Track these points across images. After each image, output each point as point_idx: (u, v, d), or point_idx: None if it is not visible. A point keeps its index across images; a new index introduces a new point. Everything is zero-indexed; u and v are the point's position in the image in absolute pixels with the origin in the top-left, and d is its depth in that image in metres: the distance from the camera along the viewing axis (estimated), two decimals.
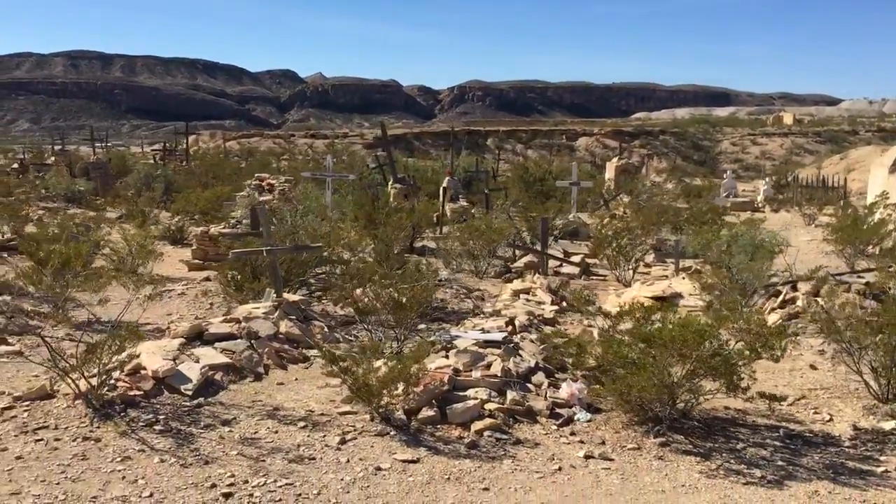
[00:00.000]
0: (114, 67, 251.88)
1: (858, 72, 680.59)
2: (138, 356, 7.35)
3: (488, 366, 7.11)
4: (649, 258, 15.02)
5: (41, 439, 6.19)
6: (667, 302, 11.39)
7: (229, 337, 8.24)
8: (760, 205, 28.98)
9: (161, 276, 12.88)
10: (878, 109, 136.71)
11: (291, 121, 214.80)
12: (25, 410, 6.84)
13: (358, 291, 9.60)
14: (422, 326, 9.38)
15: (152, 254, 13.87)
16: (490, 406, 6.64)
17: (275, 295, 9.54)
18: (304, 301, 9.77)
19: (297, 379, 7.86)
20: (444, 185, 27.68)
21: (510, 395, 6.79)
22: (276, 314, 8.98)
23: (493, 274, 14.50)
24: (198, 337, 8.21)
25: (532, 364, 7.37)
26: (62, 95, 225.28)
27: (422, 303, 8.72)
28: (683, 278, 12.71)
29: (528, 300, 11.17)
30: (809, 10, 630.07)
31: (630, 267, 14.21)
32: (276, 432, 6.42)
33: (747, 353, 6.55)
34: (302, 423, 6.58)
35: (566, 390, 6.92)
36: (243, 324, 8.55)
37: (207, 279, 13.32)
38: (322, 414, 6.85)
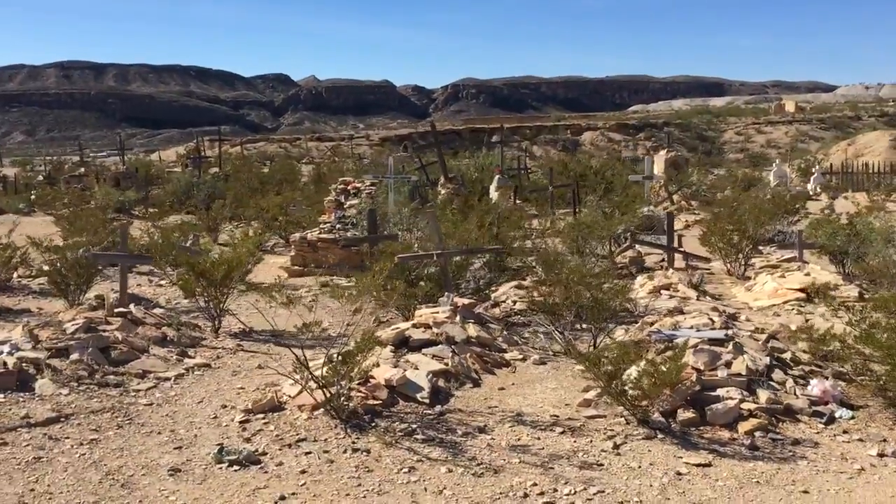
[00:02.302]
0: (106, 77, 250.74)
1: (850, 58, 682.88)
2: (378, 366, 7.21)
3: (728, 364, 6.99)
4: (766, 250, 14.92)
5: (309, 452, 6.07)
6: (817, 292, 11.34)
7: (430, 343, 8.12)
8: (813, 193, 28.92)
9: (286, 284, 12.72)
10: (874, 94, 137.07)
11: (286, 125, 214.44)
12: (265, 423, 6.73)
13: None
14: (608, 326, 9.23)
15: (261, 261, 13.74)
16: (747, 406, 6.52)
17: (444, 298, 9.41)
18: (472, 304, 9.63)
19: (513, 384, 7.73)
20: (496, 183, 27.64)
21: (762, 393, 6.68)
22: (457, 318, 8.85)
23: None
24: (403, 343, 8.08)
25: (767, 361, 7.26)
26: (56, 106, 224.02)
27: (618, 301, 8.60)
28: (806, 271, 12.58)
29: (671, 296, 11.05)
30: None
31: (743, 259, 14.10)
32: (539, 439, 6.30)
33: None
34: (559, 429, 6.46)
35: (818, 387, 6.80)
36: (435, 329, 8.41)
37: (326, 285, 13.17)
38: (569, 419, 6.73)
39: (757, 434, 6.22)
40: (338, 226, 15.98)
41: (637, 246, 15.99)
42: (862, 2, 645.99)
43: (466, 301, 9.49)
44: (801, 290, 11.34)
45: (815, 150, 68.11)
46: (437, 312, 8.98)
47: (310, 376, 6.71)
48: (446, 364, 7.69)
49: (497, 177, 27.59)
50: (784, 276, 12.42)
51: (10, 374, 7.33)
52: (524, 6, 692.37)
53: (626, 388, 6.33)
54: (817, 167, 34.80)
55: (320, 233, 15.72)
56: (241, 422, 6.79)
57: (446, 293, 9.53)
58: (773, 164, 34.21)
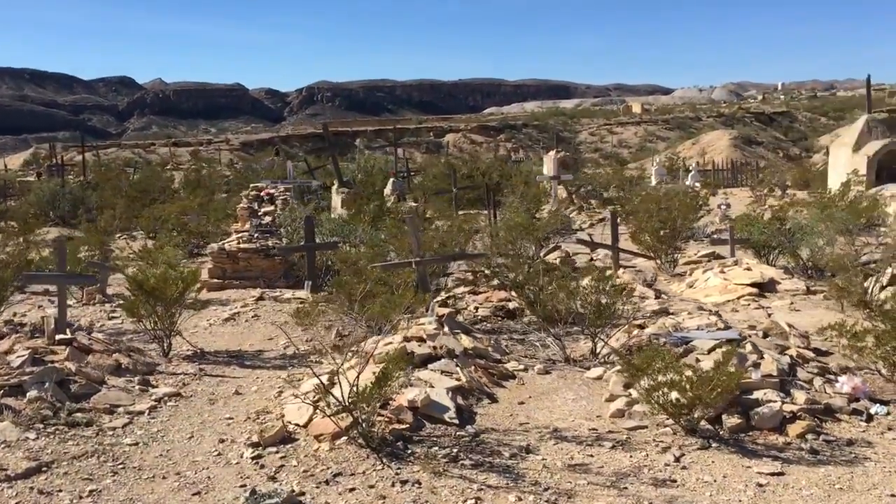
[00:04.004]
0: None
1: (684, 62, 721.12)
2: (411, 385, 6.62)
3: (756, 365, 6.84)
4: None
5: (353, 488, 5.46)
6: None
7: (432, 358, 7.59)
8: (692, 190, 29.93)
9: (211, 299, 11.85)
10: (707, 97, 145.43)
11: (132, 129, 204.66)
12: (282, 457, 6.04)
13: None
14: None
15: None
16: (788, 407, 6.37)
17: (425, 309, 8.88)
18: (453, 313, 9.14)
19: (529, 396, 7.31)
20: (390, 187, 27.11)
21: (798, 394, 6.56)
22: (444, 329, 8.36)
23: None
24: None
25: (788, 360, 7.16)
26: None
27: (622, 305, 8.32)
28: (747, 266, 12.77)
29: (641, 296, 10.92)
30: (637, 2, 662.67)
31: (673, 256, 14.24)
32: (592, 456, 5.92)
33: None
34: (607, 444, 6.10)
35: (848, 384, 6.75)
36: (430, 342, 7.89)
37: (261, 298, 12.35)
38: (610, 432, 6.40)
39: (808, 437, 6.07)
40: (255, 234, 15.07)
41: (563, 245, 15.94)
42: (691, 9, 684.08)
43: (446, 310, 9.00)
44: (752, 284, 11.49)
45: (662, 149, 71.33)
46: (424, 324, 8.44)
47: (335, 402, 6.06)
48: (458, 380, 7.18)
49: (392, 180, 27.09)
50: (723, 271, 12.57)
51: None
52: (377, 10, 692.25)
53: (674, 396, 6.04)
54: (694, 165, 36.20)
55: (238, 242, 14.75)
56: (253, 458, 6.06)
57: (433, 303, 9.01)
58: (653, 163, 35.34)
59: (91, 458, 6.06)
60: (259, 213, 15.93)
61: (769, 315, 10.06)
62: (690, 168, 34.35)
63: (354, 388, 6.05)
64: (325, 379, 7.45)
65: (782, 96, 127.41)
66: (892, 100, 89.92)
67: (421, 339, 7.98)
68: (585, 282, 10.28)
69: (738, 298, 11.15)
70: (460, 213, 22.82)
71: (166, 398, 7.56)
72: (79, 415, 6.84)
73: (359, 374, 6.22)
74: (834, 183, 20.10)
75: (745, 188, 31.13)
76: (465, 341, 8.21)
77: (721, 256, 15.80)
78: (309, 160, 31.75)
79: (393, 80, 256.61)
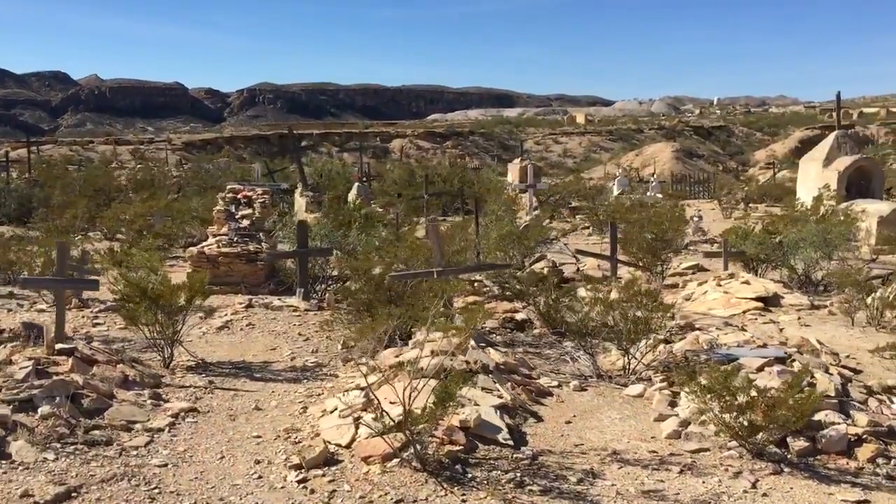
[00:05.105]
0: None
1: (624, 74, 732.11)
2: (478, 405, 6.25)
3: (811, 385, 6.65)
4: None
5: None
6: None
7: (468, 374, 7.21)
8: (653, 201, 30.14)
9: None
10: (647, 109, 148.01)
11: (66, 126, 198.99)
12: (331, 481, 5.62)
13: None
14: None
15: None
16: (852, 430, 6.19)
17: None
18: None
19: (574, 415, 7.00)
20: (355, 191, 26.60)
21: (859, 416, 6.38)
22: (472, 343, 8.00)
23: None
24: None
25: (839, 380, 6.99)
26: None
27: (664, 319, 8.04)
28: (745, 280, 12.68)
29: None
30: (579, 15, 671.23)
31: (662, 268, 14.13)
32: (663, 481, 5.62)
33: None
34: (674, 468, 5.82)
35: None
36: (461, 356, 7.52)
37: (251, 305, 11.81)
38: (672, 454, 6.11)
39: (879, 461, 5.89)
40: (235, 238, 14.49)
41: (548, 255, 15.73)
42: (633, 24, 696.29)
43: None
44: (756, 299, 11.39)
45: (606, 160, 72.17)
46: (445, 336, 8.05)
47: (385, 422, 5.66)
48: (499, 397, 6.84)
49: (357, 184, 26.62)
50: (720, 284, 12.47)
51: None
52: (320, 13, 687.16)
53: (746, 418, 5.80)
54: (654, 177, 36.50)
55: (219, 246, 14.15)
56: (299, 481, 5.63)
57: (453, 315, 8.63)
58: (617, 174, 35.52)
59: (121, 481, 5.55)
60: (237, 217, 15.31)
61: (781, 330, 9.94)
62: (651, 179, 34.61)
63: (408, 407, 5.68)
64: (357, 395, 7.07)
65: (718, 111, 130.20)
66: (823, 117, 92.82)
67: (452, 354, 7.59)
68: (582, 292, 10.09)
69: (744, 313, 11.02)
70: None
71: (182, 414, 7.05)
72: (96, 432, 6.31)
73: (411, 391, 5.81)
74: (804, 197, 20.31)
75: (704, 200, 31.42)
76: (495, 356, 7.87)
77: (705, 269, 15.79)
78: (268, 163, 31.01)
79: (336, 83, 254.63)
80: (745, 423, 5.78)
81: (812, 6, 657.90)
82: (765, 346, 7.89)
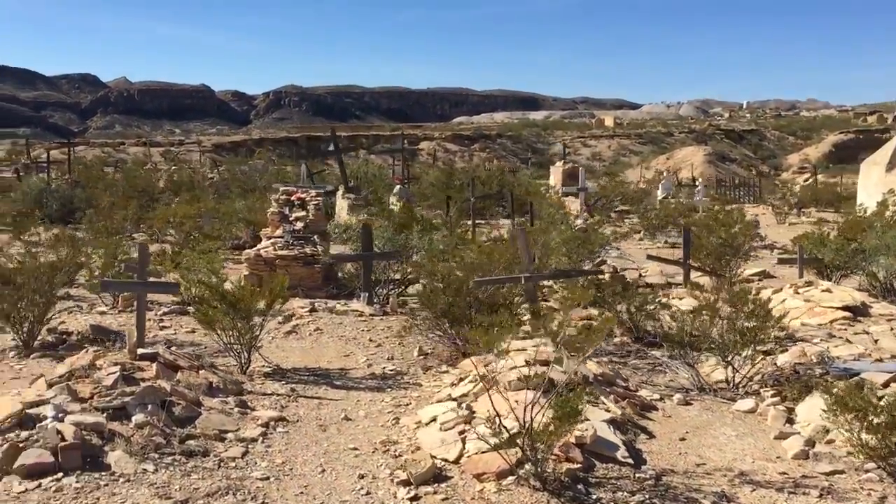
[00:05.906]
0: None
1: (649, 77, 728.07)
2: (587, 419, 5.91)
3: None
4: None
5: None
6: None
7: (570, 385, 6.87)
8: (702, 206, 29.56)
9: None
10: (675, 112, 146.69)
11: (95, 128, 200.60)
12: (444, 499, 5.30)
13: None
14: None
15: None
16: None
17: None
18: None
19: (687, 432, 6.62)
20: (395, 193, 26.30)
21: None
22: (564, 352, 7.63)
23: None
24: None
25: None
26: None
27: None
28: (826, 288, 12.21)
29: None
30: (602, 17, 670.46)
31: (733, 273, 13.70)
32: None
33: None
34: (812, 492, 5.43)
35: None
36: (557, 367, 7.16)
37: (314, 309, 11.52)
38: (805, 476, 5.72)
39: None
40: (291, 241, 14.22)
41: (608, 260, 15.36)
42: (656, 25, 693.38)
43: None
44: (843, 308, 10.93)
45: (636, 163, 71.43)
46: (530, 344, 7.71)
47: (499, 436, 5.32)
48: (607, 411, 6.49)
49: (398, 186, 26.30)
50: (798, 292, 12.02)
51: (74, 447, 5.46)
52: (346, 16, 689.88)
53: (891, 440, 5.40)
54: (700, 181, 35.90)
55: (274, 248, 13.89)
56: (410, 499, 5.31)
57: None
58: (662, 178, 34.99)
59: (227, 495, 5.26)
60: (291, 219, 15.05)
61: (875, 342, 9.49)
62: (696, 184, 34.00)
63: (528, 422, 5.34)
64: (454, 407, 6.75)
65: (748, 114, 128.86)
66: (857, 121, 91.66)
67: (545, 363, 7.25)
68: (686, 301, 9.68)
69: (831, 322, 10.57)
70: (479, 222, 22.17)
71: (272, 423, 6.75)
72: (191, 442, 6.03)
73: (532, 405, 5.47)
74: (866, 201, 19.77)
75: (750, 205, 30.80)
76: (592, 366, 7.52)
77: (771, 276, 15.34)
78: (308, 165, 30.81)
79: (361, 86, 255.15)
80: (890, 444, 5.38)
81: (842, 9, 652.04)
82: (880, 360, 7.48)
